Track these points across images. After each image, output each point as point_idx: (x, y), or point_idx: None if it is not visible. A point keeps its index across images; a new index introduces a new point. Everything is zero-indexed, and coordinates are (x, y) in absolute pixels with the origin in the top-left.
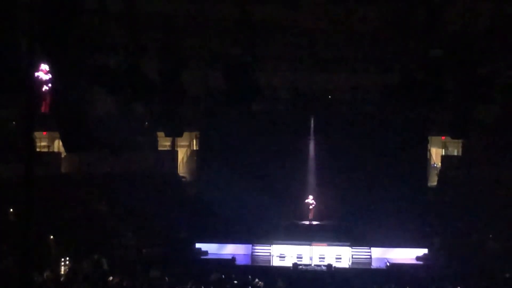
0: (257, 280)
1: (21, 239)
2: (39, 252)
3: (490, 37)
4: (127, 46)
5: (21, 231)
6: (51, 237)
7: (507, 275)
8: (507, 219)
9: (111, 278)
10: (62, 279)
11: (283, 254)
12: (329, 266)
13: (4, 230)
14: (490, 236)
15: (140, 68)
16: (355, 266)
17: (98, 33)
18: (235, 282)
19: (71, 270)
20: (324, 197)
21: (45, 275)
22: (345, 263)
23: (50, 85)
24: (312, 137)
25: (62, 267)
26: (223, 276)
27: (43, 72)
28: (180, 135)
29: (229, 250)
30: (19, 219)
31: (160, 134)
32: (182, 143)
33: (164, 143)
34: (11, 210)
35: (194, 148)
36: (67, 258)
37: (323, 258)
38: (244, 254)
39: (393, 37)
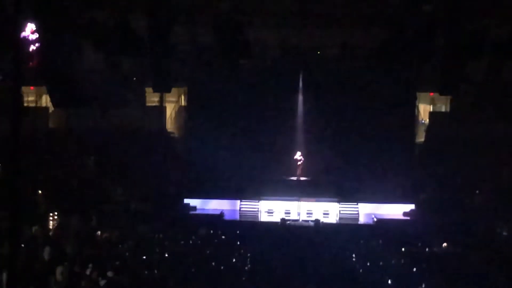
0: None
1: (9, 194)
2: (27, 207)
3: None
4: (115, 1)
5: (9, 186)
6: (39, 192)
7: (493, 230)
8: (494, 175)
9: (99, 233)
10: (50, 233)
11: (271, 210)
12: (316, 221)
13: None
14: (477, 192)
15: (129, 23)
16: (343, 222)
17: None
18: (223, 237)
19: (59, 225)
20: (312, 153)
21: (33, 229)
22: (332, 219)
23: (37, 44)
24: (300, 93)
25: (51, 222)
26: (211, 231)
27: (30, 32)
28: (169, 90)
29: (217, 205)
30: (7, 174)
31: (148, 90)
32: (171, 99)
33: (152, 98)
34: None
35: (183, 104)
36: (56, 213)
37: (311, 213)
38: (233, 210)
39: None
